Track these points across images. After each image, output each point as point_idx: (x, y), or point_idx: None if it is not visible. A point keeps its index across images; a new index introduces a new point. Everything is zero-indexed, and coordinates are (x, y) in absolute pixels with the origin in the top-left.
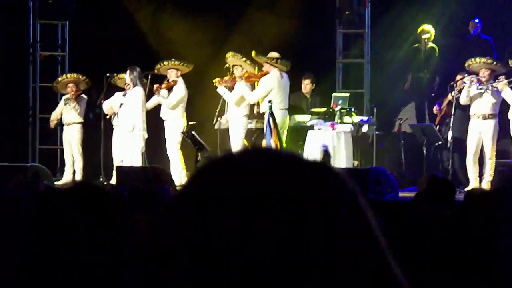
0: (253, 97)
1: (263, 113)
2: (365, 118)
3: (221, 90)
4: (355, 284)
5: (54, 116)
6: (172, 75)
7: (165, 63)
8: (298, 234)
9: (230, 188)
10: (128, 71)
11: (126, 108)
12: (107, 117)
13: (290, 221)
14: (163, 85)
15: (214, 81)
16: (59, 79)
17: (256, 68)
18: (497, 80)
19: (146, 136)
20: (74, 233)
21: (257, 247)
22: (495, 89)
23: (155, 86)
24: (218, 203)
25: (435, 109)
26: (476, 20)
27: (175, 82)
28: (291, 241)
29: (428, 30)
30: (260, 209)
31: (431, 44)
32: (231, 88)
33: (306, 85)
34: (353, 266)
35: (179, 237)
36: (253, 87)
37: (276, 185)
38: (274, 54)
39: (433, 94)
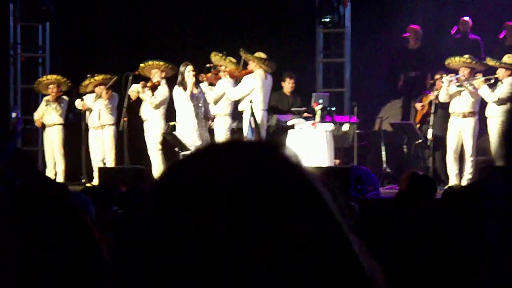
0: (235, 94)
1: (242, 112)
2: (345, 117)
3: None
4: (322, 275)
5: (38, 116)
6: (156, 76)
7: (150, 62)
8: (258, 223)
9: (192, 183)
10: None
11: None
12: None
13: (246, 213)
14: (148, 84)
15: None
16: (40, 80)
17: (241, 66)
18: (474, 78)
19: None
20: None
21: (221, 241)
22: (473, 87)
23: (141, 83)
24: (180, 200)
25: (418, 105)
26: (466, 18)
27: (159, 82)
28: (251, 230)
29: (415, 29)
30: (223, 202)
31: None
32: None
33: (291, 85)
34: (319, 258)
35: (144, 234)
36: (236, 85)
37: (234, 177)
38: (261, 55)
39: (426, 92)
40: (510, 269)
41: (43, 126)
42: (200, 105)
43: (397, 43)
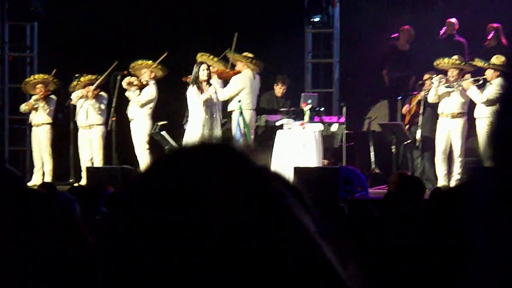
0: (224, 94)
1: (231, 112)
2: (334, 117)
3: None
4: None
5: (24, 104)
6: (145, 75)
7: (140, 62)
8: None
9: (153, 185)
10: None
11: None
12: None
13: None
14: (136, 82)
15: (183, 79)
16: (27, 80)
17: (229, 66)
18: (462, 79)
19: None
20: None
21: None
22: (462, 88)
23: (127, 78)
24: (140, 203)
25: (405, 109)
26: (453, 20)
27: (147, 83)
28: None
29: (408, 30)
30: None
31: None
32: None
33: (282, 90)
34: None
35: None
36: (225, 85)
37: (191, 181)
38: (249, 54)
39: (414, 93)
40: (496, 270)
41: (31, 126)
42: (214, 103)
43: (386, 44)
